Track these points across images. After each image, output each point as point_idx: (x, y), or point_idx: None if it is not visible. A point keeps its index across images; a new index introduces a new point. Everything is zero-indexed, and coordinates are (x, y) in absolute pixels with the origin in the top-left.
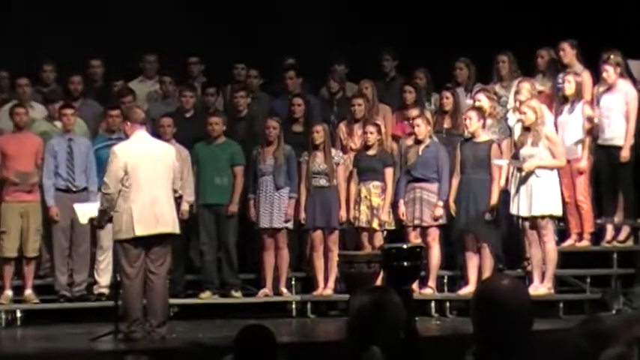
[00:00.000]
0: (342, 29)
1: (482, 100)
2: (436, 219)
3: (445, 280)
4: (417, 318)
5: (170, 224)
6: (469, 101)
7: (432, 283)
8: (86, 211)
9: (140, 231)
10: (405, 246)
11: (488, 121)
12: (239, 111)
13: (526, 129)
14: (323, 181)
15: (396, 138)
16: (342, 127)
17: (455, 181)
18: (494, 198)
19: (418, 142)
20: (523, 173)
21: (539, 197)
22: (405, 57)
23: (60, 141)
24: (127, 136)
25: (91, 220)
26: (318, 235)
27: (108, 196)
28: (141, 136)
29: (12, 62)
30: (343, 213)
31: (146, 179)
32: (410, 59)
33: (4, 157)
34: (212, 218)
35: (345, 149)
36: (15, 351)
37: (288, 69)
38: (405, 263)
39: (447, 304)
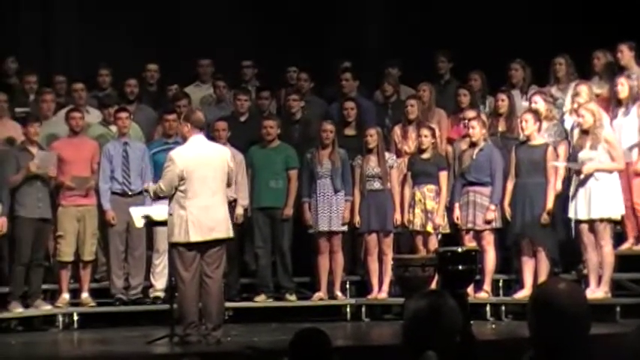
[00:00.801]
0: (396, 32)
1: (539, 103)
2: (488, 222)
3: (500, 284)
4: (472, 322)
5: (224, 230)
6: (524, 103)
7: (487, 286)
8: (142, 214)
9: (194, 237)
10: (460, 249)
11: (544, 124)
12: (293, 114)
13: (584, 132)
14: (377, 185)
15: (451, 141)
16: (397, 130)
17: (510, 185)
18: (550, 201)
19: (473, 145)
20: (582, 176)
21: (598, 200)
22: (459, 59)
23: (115, 145)
24: (184, 139)
25: (147, 219)
26: (372, 238)
27: (159, 197)
28: (198, 140)
29: (68, 67)
30: (398, 216)
31: (202, 185)
32: (465, 62)
33: (60, 161)
34: (267, 222)
35: (399, 152)
36: (72, 354)
37: (344, 71)
38: (460, 267)
39: (503, 307)
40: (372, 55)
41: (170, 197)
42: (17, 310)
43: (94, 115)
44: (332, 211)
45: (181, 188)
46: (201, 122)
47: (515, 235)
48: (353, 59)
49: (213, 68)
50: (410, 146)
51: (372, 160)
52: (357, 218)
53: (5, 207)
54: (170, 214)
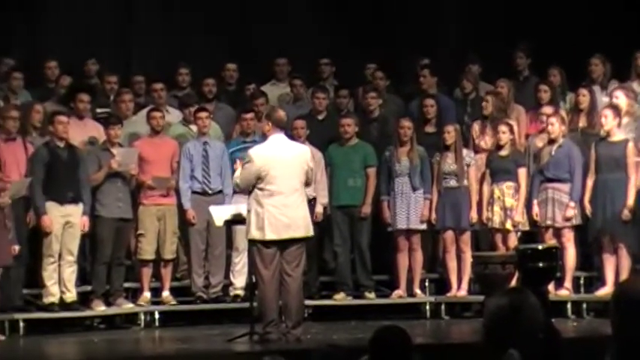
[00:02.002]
0: (475, 28)
1: (620, 98)
2: (568, 219)
3: (582, 281)
4: (553, 319)
5: (302, 228)
6: (605, 99)
7: (568, 284)
8: (222, 213)
9: (270, 235)
10: (540, 247)
11: (625, 120)
12: (371, 112)
13: None
14: (453, 182)
15: (527, 137)
16: (475, 126)
17: (590, 181)
18: (631, 197)
19: (551, 141)
20: None
21: None
22: (539, 55)
23: (195, 144)
24: (264, 137)
25: (227, 222)
26: (449, 235)
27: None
28: (278, 139)
29: (147, 67)
30: (474, 214)
31: (280, 183)
32: (544, 57)
33: (140, 160)
34: (345, 220)
35: (477, 148)
36: (153, 352)
37: (422, 68)
38: (541, 264)
39: (584, 305)
40: (450, 52)
41: (249, 195)
42: (100, 308)
43: (173, 115)
44: (410, 209)
45: (259, 186)
46: (282, 121)
47: (596, 232)
48: (431, 56)
49: (289, 67)
50: (487, 142)
51: (450, 157)
52: (433, 215)
53: (87, 207)
54: (248, 211)
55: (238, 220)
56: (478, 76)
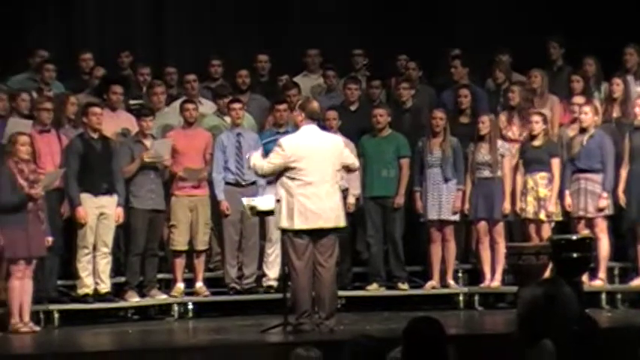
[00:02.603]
0: (507, 18)
1: None
2: (601, 210)
3: (616, 272)
4: (587, 310)
5: (333, 218)
6: (639, 89)
7: (602, 274)
8: (255, 205)
9: (300, 224)
10: (574, 237)
11: None
12: (403, 102)
13: None
14: (487, 173)
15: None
16: (502, 116)
17: (624, 172)
18: None
19: (582, 131)
20: None
21: None
22: (573, 45)
23: (229, 135)
24: (296, 127)
25: (260, 213)
26: (482, 226)
27: (257, 173)
28: (310, 129)
29: (180, 58)
30: (507, 205)
31: (311, 173)
32: (578, 47)
33: (173, 152)
34: (378, 210)
35: (504, 139)
36: (187, 342)
37: (454, 59)
38: (575, 255)
39: (618, 295)
40: (482, 42)
41: (276, 184)
42: (133, 299)
43: (206, 106)
44: (442, 200)
45: (290, 175)
46: (316, 112)
47: (630, 222)
48: (462, 46)
49: (321, 58)
50: (514, 132)
51: (484, 147)
52: (466, 206)
53: (121, 198)
54: (277, 201)
55: (271, 211)
56: (509, 67)
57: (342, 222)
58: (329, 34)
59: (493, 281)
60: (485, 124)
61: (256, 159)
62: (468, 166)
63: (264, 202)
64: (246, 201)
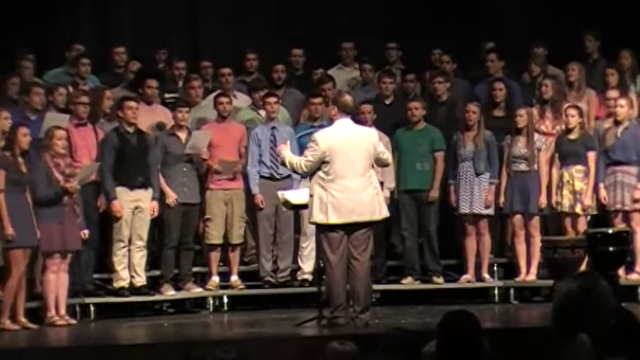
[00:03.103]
0: (542, 11)
1: None
2: (636, 202)
3: None
4: (623, 304)
5: (367, 212)
6: None
7: (638, 268)
8: (289, 198)
9: (333, 218)
10: (610, 231)
11: None
12: (438, 96)
13: None
14: (523, 166)
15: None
16: (534, 110)
17: None
18: None
19: (617, 123)
20: None
21: None
22: (609, 38)
23: (264, 129)
24: (330, 122)
25: (295, 206)
26: (517, 219)
27: (296, 172)
28: (344, 123)
29: (215, 52)
30: (543, 198)
31: (345, 167)
32: (614, 40)
33: (208, 145)
34: (413, 204)
35: (538, 132)
36: (222, 335)
37: (488, 52)
38: (611, 248)
39: None
40: (518, 35)
41: (311, 178)
42: (169, 292)
43: (241, 100)
44: (474, 194)
45: (324, 169)
46: (348, 106)
47: None
48: (497, 39)
49: (356, 51)
50: (547, 126)
51: (521, 141)
52: (502, 199)
53: (156, 192)
54: (311, 195)
55: (306, 204)
56: (545, 60)
57: (376, 215)
58: (365, 27)
59: (529, 275)
60: (523, 117)
61: (292, 158)
62: (504, 159)
63: (297, 195)
64: (280, 194)
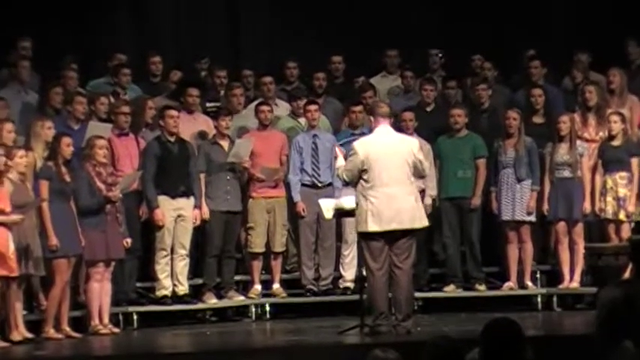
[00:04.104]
0: (585, 18)
1: None
2: None
3: None
4: None
5: (407, 220)
6: None
7: None
8: (331, 206)
9: (372, 226)
10: None
11: None
12: (481, 103)
13: None
14: (566, 173)
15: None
16: (576, 116)
17: None
18: None
19: None
20: None
21: None
22: None
23: (305, 137)
24: (370, 131)
25: (336, 214)
26: (561, 226)
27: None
28: (384, 130)
29: (256, 61)
30: (587, 205)
31: (386, 175)
32: None
33: (250, 154)
34: (455, 211)
35: (580, 139)
36: (265, 344)
37: (531, 59)
38: None
39: None
40: (558, 42)
41: (356, 186)
42: (211, 301)
43: (282, 108)
44: (515, 201)
45: (364, 177)
46: (385, 112)
47: None
48: (537, 45)
49: (399, 59)
50: (591, 133)
51: (563, 147)
52: (545, 206)
53: (198, 200)
54: (356, 203)
55: (347, 212)
56: (588, 66)
57: (417, 223)
58: (407, 33)
59: (572, 282)
60: (565, 123)
61: (340, 165)
62: (546, 166)
63: (348, 202)
64: (328, 203)
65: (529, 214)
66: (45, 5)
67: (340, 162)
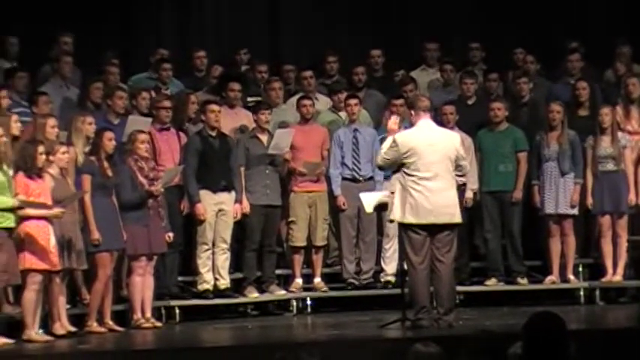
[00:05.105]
0: (626, 9)
1: None
2: None
3: None
4: None
5: (447, 214)
6: None
7: None
8: (372, 200)
9: (411, 219)
10: None
11: None
12: (522, 96)
13: None
14: (610, 166)
15: None
16: (618, 109)
17: None
18: None
19: None
20: None
21: None
22: None
23: (346, 131)
24: (411, 125)
25: (377, 208)
26: (606, 220)
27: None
28: (425, 124)
29: (296, 55)
30: (632, 197)
31: (425, 169)
32: None
33: (291, 148)
34: (496, 205)
35: (622, 131)
36: (306, 338)
37: (572, 52)
38: None
39: None
40: (600, 34)
41: (394, 177)
42: (253, 295)
43: (322, 102)
44: (559, 194)
45: (405, 170)
46: (424, 106)
47: None
48: (579, 38)
49: (439, 52)
50: (633, 125)
51: (605, 140)
52: (589, 200)
53: (239, 194)
54: (392, 192)
55: (387, 206)
56: (630, 58)
57: (456, 218)
58: (448, 26)
59: (615, 275)
60: (608, 116)
61: (383, 147)
62: (588, 159)
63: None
64: (369, 197)
65: (572, 207)
66: (87, 1)
67: (387, 142)
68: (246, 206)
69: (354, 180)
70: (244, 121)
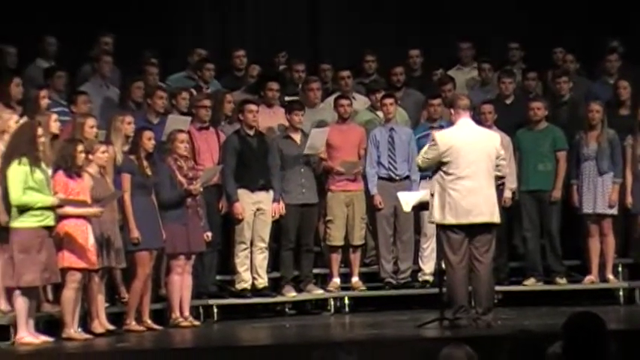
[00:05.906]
0: None
1: None
2: None
3: None
4: None
5: (486, 214)
6: None
7: None
8: (409, 199)
9: (450, 219)
10: None
11: None
12: (561, 95)
13: None
14: None
15: None
16: None
17: None
18: None
19: None
20: None
21: None
22: None
23: (382, 131)
24: (450, 124)
25: (415, 207)
26: None
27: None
28: (465, 123)
29: (334, 55)
30: None
31: (465, 168)
32: None
33: (328, 147)
34: (535, 204)
35: None
36: (344, 337)
37: (612, 51)
38: None
39: None
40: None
41: (432, 176)
42: (290, 294)
43: (360, 102)
44: (597, 193)
45: (444, 169)
46: (464, 105)
47: None
48: (619, 37)
49: (474, 51)
50: None
51: None
52: (629, 199)
53: (277, 194)
54: (431, 194)
55: (426, 205)
56: None
57: (494, 218)
58: (485, 25)
59: None
60: None
61: (423, 149)
62: (627, 158)
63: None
64: (407, 196)
65: (611, 207)
66: (126, 1)
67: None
68: (284, 206)
69: (390, 179)
70: (282, 120)
